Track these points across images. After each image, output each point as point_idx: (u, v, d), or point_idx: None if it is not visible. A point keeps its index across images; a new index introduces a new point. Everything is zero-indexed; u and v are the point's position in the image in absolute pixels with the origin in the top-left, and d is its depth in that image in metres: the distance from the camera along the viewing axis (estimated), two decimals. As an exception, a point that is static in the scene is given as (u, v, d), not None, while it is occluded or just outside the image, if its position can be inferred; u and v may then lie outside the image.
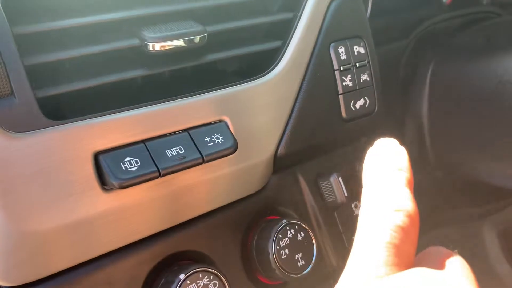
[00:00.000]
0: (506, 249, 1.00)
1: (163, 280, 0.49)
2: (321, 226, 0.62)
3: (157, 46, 0.49)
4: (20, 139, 0.41)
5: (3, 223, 0.41)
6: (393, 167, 0.30)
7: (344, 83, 0.62)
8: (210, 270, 0.49)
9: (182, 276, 0.48)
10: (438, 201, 0.99)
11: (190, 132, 0.49)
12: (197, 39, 0.51)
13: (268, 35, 0.61)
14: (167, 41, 0.49)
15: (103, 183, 0.45)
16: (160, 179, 0.46)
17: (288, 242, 0.55)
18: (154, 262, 0.50)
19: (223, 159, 0.50)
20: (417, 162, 0.92)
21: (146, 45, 0.49)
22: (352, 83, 0.62)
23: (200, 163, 0.48)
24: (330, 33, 0.61)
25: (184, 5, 0.53)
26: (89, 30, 0.48)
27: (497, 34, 0.89)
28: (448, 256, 0.28)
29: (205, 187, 0.52)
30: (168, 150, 0.47)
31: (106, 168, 0.44)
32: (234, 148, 0.50)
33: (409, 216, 0.28)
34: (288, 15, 0.60)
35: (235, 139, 0.50)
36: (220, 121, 0.52)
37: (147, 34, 0.49)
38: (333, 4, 0.61)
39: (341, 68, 0.61)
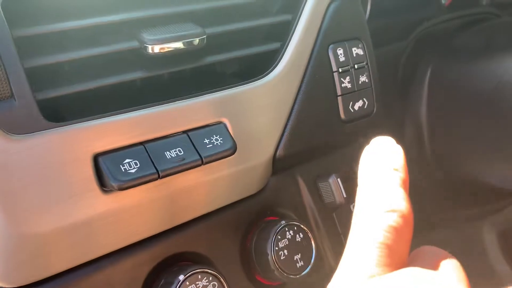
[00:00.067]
0: (506, 250, 1.01)
1: (162, 281, 0.49)
2: (320, 227, 0.62)
3: (156, 48, 0.49)
4: (20, 141, 0.41)
5: (3, 225, 0.41)
6: (388, 166, 0.30)
7: (342, 85, 0.62)
8: (209, 271, 0.49)
9: (181, 277, 0.48)
10: (438, 202, 0.99)
11: (189, 134, 0.49)
12: (196, 41, 0.51)
13: (267, 37, 0.62)
14: (166, 43, 0.49)
15: (103, 185, 0.45)
16: (159, 181, 0.46)
17: (287, 243, 0.55)
18: (154, 263, 0.51)
19: (222, 160, 0.50)
20: (416, 163, 0.92)
21: (146, 47, 0.49)
22: (351, 85, 0.62)
23: (199, 165, 0.48)
24: (329, 34, 0.61)
25: (183, 7, 0.53)
26: (88, 32, 0.48)
27: (497, 35, 0.90)
28: (441, 256, 0.28)
29: (204, 188, 0.52)
30: (167, 152, 0.47)
31: (105, 170, 0.44)
32: (233, 149, 0.50)
33: (403, 217, 0.27)
34: (287, 17, 0.60)
35: (234, 141, 0.51)
36: (219, 122, 0.52)
37: (146, 36, 0.49)
38: (332, 6, 0.61)
39: (340, 70, 0.61)
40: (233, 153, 0.50)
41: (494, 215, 1.03)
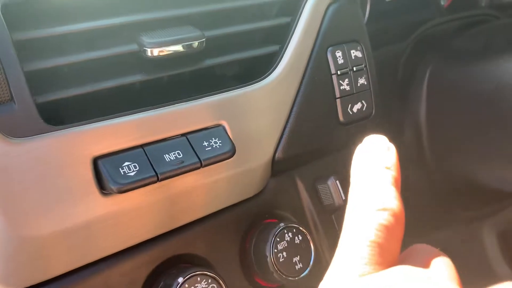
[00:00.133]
0: (505, 250, 1.01)
1: (161, 283, 0.49)
2: (319, 229, 0.63)
3: (156, 52, 0.49)
4: (19, 145, 0.41)
5: (2, 227, 0.41)
6: (380, 165, 0.30)
7: (341, 87, 0.62)
8: (209, 273, 0.50)
9: (180, 280, 0.48)
10: (437, 204, 0.99)
11: (188, 136, 0.49)
12: (195, 44, 0.51)
13: (266, 40, 0.62)
14: (165, 46, 0.49)
15: (102, 188, 0.45)
16: (158, 184, 0.46)
17: (286, 245, 0.55)
18: (153, 266, 0.51)
19: (221, 163, 0.50)
20: (416, 164, 0.92)
21: (145, 51, 0.49)
22: (350, 87, 0.63)
23: (198, 168, 0.48)
24: (328, 37, 0.61)
25: (182, 11, 0.53)
26: (88, 35, 0.48)
27: (495, 36, 0.90)
28: (433, 254, 0.28)
29: (203, 191, 0.52)
30: (166, 155, 0.47)
31: (105, 173, 0.44)
32: (232, 152, 0.50)
33: (394, 215, 0.28)
34: (285, 20, 0.60)
35: (233, 144, 0.51)
36: (218, 125, 0.52)
37: (145, 39, 0.49)
38: (331, 9, 0.62)
39: (339, 72, 0.62)
40: (232, 155, 0.50)
41: (493, 216, 1.03)
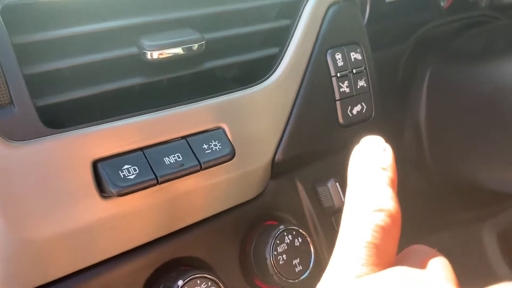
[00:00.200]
0: (505, 251, 1.01)
1: (161, 286, 0.50)
2: (319, 231, 0.63)
3: (155, 54, 0.49)
4: (19, 148, 0.42)
5: (2, 230, 0.41)
6: (376, 166, 0.30)
7: (341, 89, 0.62)
8: (208, 276, 0.50)
9: (180, 283, 0.48)
10: (437, 205, 0.99)
11: (188, 139, 0.49)
12: (195, 46, 0.51)
13: (265, 42, 0.62)
14: (165, 49, 0.49)
15: (102, 191, 0.45)
16: (158, 186, 0.46)
17: (286, 247, 0.55)
18: (152, 269, 0.51)
19: (221, 165, 0.50)
20: (415, 167, 0.92)
21: (145, 53, 0.49)
22: (349, 89, 0.63)
23: (198, 170, 0.48)
24: (327, 39, 0.61)
25: (182, 13, 0.53)
26: (88, 38, 0.48)
27: (495, 37, 0.90)
28: (430, 255, 0.28)
29: (203, 193, 0.52)
30: (166, 158, 0.47)
31: (104, 176, 0.44)
32: (232, 155, 0.50)
33: (391, 216, 0.28)
34: (285, 22, 0.60)
35: (232, 146, 0.51)
36: (218, 128, 0.52)
37: (145, 42, 0.49)
38: (330, 11, 0.62)
39: (338, 75, 0.62)
40: (232, 158, 0.50)
41: (493, 217, 1.03)
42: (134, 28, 0.50)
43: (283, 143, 0.58)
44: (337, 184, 0.62)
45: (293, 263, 0.55)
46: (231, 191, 0.55)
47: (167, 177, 0.46)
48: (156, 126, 0.48)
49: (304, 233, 0.57)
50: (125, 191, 0.44)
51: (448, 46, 0.89)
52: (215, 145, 0.50)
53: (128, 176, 0.44)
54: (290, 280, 0.55)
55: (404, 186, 0.95)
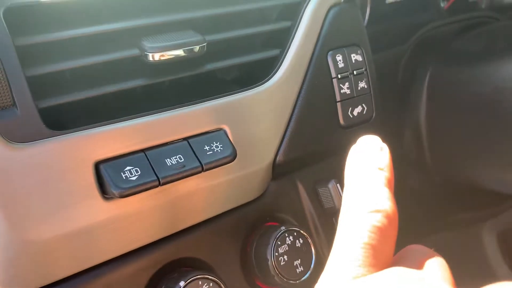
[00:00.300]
0: (505, 251, 1.01)
1: (163, 287, 0.50)
2: (320, 232, 0.63)
3: (157, 56, 0.49)
4: (22, 150, 0.42)
5: (5, 232, 0.41)
6: (373, 166, 0.30)
7: (342, 91, 0.62)
8: (210, 277, 0.50)
9: (182, 284, 0.48)
10: (437, 205, 0.99)
11: (190, 140, 0.49)
12: (197, 48, 0.51)
13: (266, 44, 0.62)
14: (166, 51, 0.49)
15: (104, 192, 0.45)
16: (159, 188, 0.46)
17: (287, 248, 0.55)
18: (154, 270, 0.51)
19: (222, 167, 0.50)
20: (416, 167, 0.92)
21: (146, 55, 0.49)
22: (350, 91, 0.63)
23: (200, 172, 0.48)
24: (328, 41, 0.61)
25: (183, 15, 0.53)
26: (90, 40, 0.49)
27: (495, 39, 0.90)
28: (427, 255, 0.28)
29: (204, 194, 0.52)
30: (168, 159, 0.47)
31: (106, 177, 0.44)
32: (233, 156, 0.50)
33: (387, 217, 0.28)
34: (286, 24, 0.60)
35: (234, 148, 0.51)
36: (219, 129, 0.52)
37: (147, 44, 0.49)
38: (331, 13, 0.62)
39: (339, 76, 0.62)
40: (233, 159, 0.50)
41: (493, 218, 1.03)
42: (136, 30, 0.50)
43: (284, 144, 0.58)
44: (338, 185, 0.62)
45: (294, 264, 0.55)
46: (232, 192, 0.55)
47: (169, 179, 0.46)
48: (157, 128, 0.48)
49: (305, 234, 0.57)
50: (127, 192, 0.44)
51: (448, 46, 0.89)
52: (217, 147, 0.50)
53: (130, 177, 0.44)
54: (291, 281, 0.55)
55: (404, 186, 0.95)
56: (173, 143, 0.49)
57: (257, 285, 0.58)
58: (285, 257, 0.55)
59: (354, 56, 0.63)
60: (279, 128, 0.58)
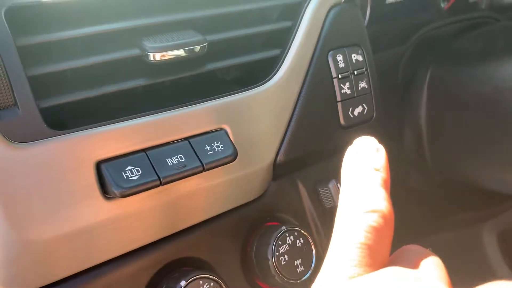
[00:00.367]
0: (505, 251, 1.01)
1: (164, 287, 0.50)
2: (320, 232, 0.63)
3: (158, 56, 0.49)
4: (23, 149, 0.42)
5: (6, 231, 0.41)
6: (369, 166, 0.30)
7: (342, 91, 0.62)
8: (211, 276, 0.50)
9: (183, 283, 0.48)
10: (437, 205, 0.99)
11: (191, 140, 0.49)
12: (197, 48, 0.51)
13: (267, 44, 0.62)
14: (167, 51, 0.49)
15: (105, 192, 0.45)
16: (160, 187, 0.47)
17: (288, 248, 0.55)
18: (155, 269, 0.51)
19: (223, 166, 0.51)
20: (416, 167, 0.92)
21: (147, 55, 0.49)
22: (351, 91, 0.63)
23: (200, 171, 0.48)
24: (329, 41, 0.61)
25: (184, 15, 0.53)
26: (91, 40, 0.49)
27: (495, 39, 0.90)
28: (423, 255, 0.28)
29: (205, 194, 0.52)
30: (169, 159, 0.47)
31: (108, 177, 0.44)
32: (234, 156, 0.50)
33: (383, 217, 0.28)
34: (286, 24, 0.60)
35: (235, 147, 0.51)
36: (220, 129, 0.52)
37: (147, 44, 0.49)
38: (331, 13, 0.62)
39: (340, 76, 0.62)
40: (234, 159, 0.50)
41: (493, 218, 1.03)
42: (137, 30, 0.50)
43: (284, 144, 0.58)
44: (338, 185, 0.62)
45: (295, 264, 0.55)
46: (233, 192, 0.55)
47: (170, 178, 0.46)
48: (158, 128, 0.48)
49: (305, 233, 0.57)
50: (128, 192, 0.44)
51: (448, 47, 0.90)
52: (217, 146, 0.50)
53: (131, 177, 0.45)
54: (292, 281, 0.55)
55: (405, 186, 0.95)
56: (174, 143, 0.49)
57: (257, 284, 0.58)
58: (286, 256, 0.55)
59: (354, 56, 0.63)
60: (279, 128, 0.58)
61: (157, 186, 0.46)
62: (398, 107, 0.90)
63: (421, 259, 0.28)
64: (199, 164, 0.48)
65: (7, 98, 0.42)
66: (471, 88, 0.80)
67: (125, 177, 0.44)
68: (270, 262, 0.54)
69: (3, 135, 0.41)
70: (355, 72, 0.63)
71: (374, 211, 0.28)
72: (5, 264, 0.42)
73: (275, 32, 0.60)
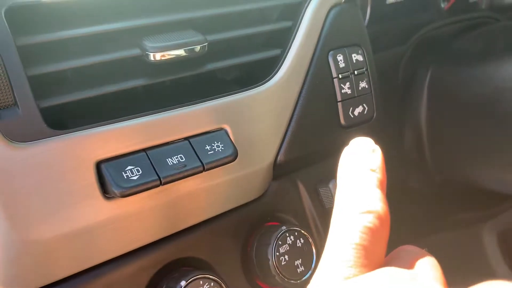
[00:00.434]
0: (505, 251, 1.01)
1: (164, 287, 0.50)
2: (321, 232, 0.63)
3: (158, 56, 0.49)
4: (23, 149, 0.42)
5: (6, 231, 0.41)
6: (365, 167, 0.30)
7: (342, 91, 0.62)
8: (211, 276, 0.50)
9: (183, 283, 0.48)
10: (437, 205, 0.99)
11: (191, 140, 0.49)
12: (198, 48, 0.51)
13: (267, 44, 0.62)
14: (167, 50, 0.49)
15: (105, 192, 0.45)
16: (160, 187, 0.47)
17: (288, 248, 0.55)
18: (155, 269, 0.51)
19: (223, 166, 0.51)
20: (416, 167, 0.92)
21: (147, 55, 0.49)
22: (351, 91, 0.63)
23: (201, 171, 0.48)
24: (329, 41, 0.61)
25: (184, 15, 0.53)
26: (91, 40, 0.49)
27: (496, 39, 0.90)
28: (418, 255, 0.28)
29: (205, 194, 0.52)
30: (169, 159, 0.47)
31: (108, 177, 0.44)
32: (234, 156, 0.50)
33: (379, 218, 0.28)
34: (287, 24, 0.60)
35: (235, 147, 0.51)
36: (220, 129, 0.52)
37: (148, 44, 0.49)
38: (332, 13, 0.62)
39: (340, 76, 0.62)
40: (234, 159, 0.50)
41: (493, 218, 1.03)
42: (137, 30, 0.50)
43: (285, 144, 0.58)
44: (338, 185, 0.62)
45: (295, 264, 0.55)
46: (233, 192, 0.55)
47: (170, 178, 0.46)
48: (159, 127, 0.48)
49: (306, 234, 0.57)
50: (128, 192, 0.44)
51: (448, 47, 0.90)
52: (218, 146, 0.50)
53: (131, 177, 0.44)
54: (292, 281, 0.55)
55: (405, 186, 0.95)
56: (174, 143, 0.49)
57: (257, 284, 0.58)
58: (286, 257, 0.55)
59: (355, 56, 0.63)
60: (280, 128, 0.58)
61: (157, 186, 0.46)
62: (398, 107, 0.90)
63: (417, 259, 0.28)
64: (199, 164, 0.48)
65: (7, 98, 0.42)
66: (471, 88, 0.80)
67: (125, 177, 0.44)
68: (270, 262, 0.54)
69: (3, 135, 0.41)
70: (356, 72, 0.63)
71: (369, 212, 0.28)
72: (5, 264, 0.42)
73: (275, 32, 0.60)
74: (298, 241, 0.56)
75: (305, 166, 0.63)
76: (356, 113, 0.64)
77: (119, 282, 0.49)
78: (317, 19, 0.61)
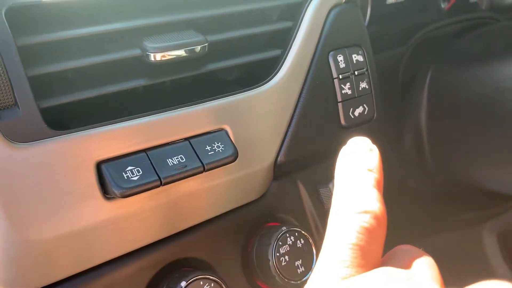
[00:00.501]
0: (505, 252, 1.01)
1: (164, 287, 0.50)
2: (321, 232, 0.63)
3: (158, 56, 0.49)
4: (23, 149, 0.42)
5: (6, 231, 0.41)
6: (362, 167, 0.30)
7: (343, 91, 0.62)
8: (211, 277, 0.50)
9: (183, 284, 0.48)
10: (437, 206, 0.99)
11: (191, 141, 0.49)
12: (198, 48, 0.51)
13: (268, 44, 0.62)
14: (168, 51, 0.49)
15: (105, 192, 0.45)
16: (161, 188, 0.47)
17: (288, 249, 0.55)
18: (155, 270, 0.51)
19: (223, 167, 0.51)
20: (416, 167, 0.92)
21: (148, 55, 0.49)
22: (351, 91, 0.63)
23: (201, 172, 0.48)
24: (329, 41, 0.61)
25: (185, 15, 0.53)
26: (91, 40, 0.49)
27: (496, 39, 0.90)
28: (415, 255, 0.28)
29: (205, 195, 0.52)
30: (169, 159, 0.47)
31: (108, 177, 0.44)
32: (235, 156, 0.50)
33: (376, 218, 0.28)
34: (287, 24, 0.60)
35: (235, 148, 0.51)
36: (221, 129, 0.52)
37: (148, 44, 0.49)
38: (332, 13, 0.62)
39: (340, 76, 0.62)
40: (235, 160, 0.50)
41: (493, 219, 1.03)
42: (137, 30, 0.50)
43: (285, 144, 0.58)
44: (339, 185, 0.62)
45: (296, 265, 0.55)
46: (234, 193, 0.55)
47: (170, 179, 0.46)
48: (159, 128, 0.48)
49: (306, 234, 0.57)
50: (128, 192, 0.44)
51: (448, 47, 0.90)
52: (218, 147, 0.50)
53: (131, 177, 0.44)
54: (292, 282, 0.55)
55: (405, 186, 0.95)
56: (174, 143, 0.49)
57: (258, 285, 0.58)
58: (286, 257, 0.55)
59: (355, 57, 0.63)
60: (280, 128, 0.58)
61: (157, 186, 0.46)
62: (398, 108, 0.90)
63: (414, 259, 0.28)
64: (200, 164, 0.48)
65: (8, 98, 0.42)
66: (472, 88, 0.80)
67: (126, 177, 0.44)
68: (270, 263, 0.54)
69: (3, 135, 0.41)
70: (356, 73, 0.63)
71: (366, 212, 0.28)
72: (5, 264, 0.42)
73: (276, 33, 0.60)
74: (298, 241, 0.56)
75: (306, 166, 0.63)
76: (356, 113, 0.64)
77: (120, 283, 0.49)
78: (318, 20, 0.61)
